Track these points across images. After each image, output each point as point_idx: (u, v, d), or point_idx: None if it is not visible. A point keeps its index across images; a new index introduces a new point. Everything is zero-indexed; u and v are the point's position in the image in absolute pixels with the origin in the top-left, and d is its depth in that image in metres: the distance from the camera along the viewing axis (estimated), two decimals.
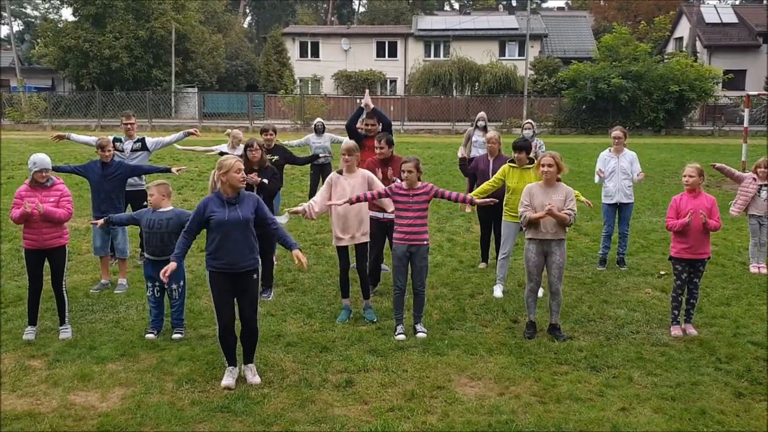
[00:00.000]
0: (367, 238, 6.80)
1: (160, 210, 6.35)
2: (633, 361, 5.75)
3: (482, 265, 8.73)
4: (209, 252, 5.19)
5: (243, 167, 5.20)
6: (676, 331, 6.40)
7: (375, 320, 6.69)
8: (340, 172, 6.73)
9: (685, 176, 6.43)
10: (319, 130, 12.31)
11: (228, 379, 5.25)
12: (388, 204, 6.58)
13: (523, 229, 6.40)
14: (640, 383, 5.35)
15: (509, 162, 7.63)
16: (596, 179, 8.88)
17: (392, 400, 5.05)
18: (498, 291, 7.57)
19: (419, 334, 6.28)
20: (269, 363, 5.63)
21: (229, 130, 10.78)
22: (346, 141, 6.93)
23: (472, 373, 5.53)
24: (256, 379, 5.32)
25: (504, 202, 7.57)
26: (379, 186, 6.63)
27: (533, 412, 4.87)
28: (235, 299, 5.27)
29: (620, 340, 6.25)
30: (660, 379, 5.41)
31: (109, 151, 7.66)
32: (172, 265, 5.18)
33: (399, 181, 6.50)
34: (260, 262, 5.36)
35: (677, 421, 4.77)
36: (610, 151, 8.74)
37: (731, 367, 5.64)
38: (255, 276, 5.27)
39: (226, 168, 5.09)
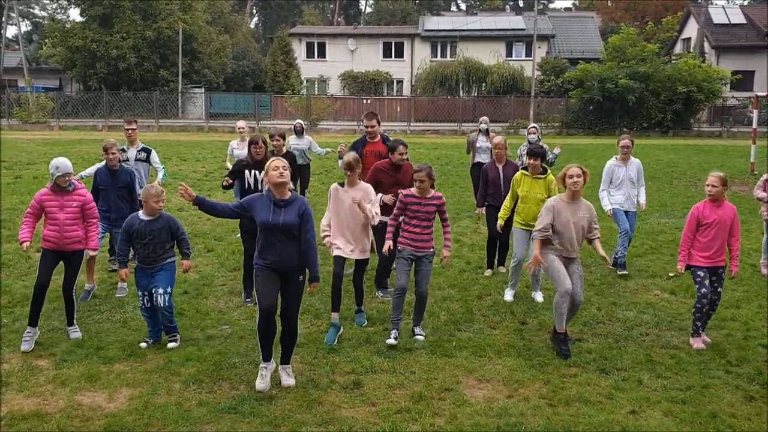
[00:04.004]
0: (366, 255, 6.66)
1: (151, 219, 5.99)
2: (642, 364, 5.71)
3: (488, 272, 8.54)
4: (257, 250, 5.19)
5: (284, 164, 5.09)
6: (697, 344, 6.07)
7: (364, 324, 6.60)
8: (341, 184, 6.59)
9: (708, 185, 6.11)
10: (299, 132, 12.23)
11: (261, 383, 5.14)
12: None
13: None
14: (649, 386, 5.31)
15: (522, 169, 7.54)
16: (605, 207, 8.65)
17: (400, 401, 5.02)
18: (509, 295, 7.49)
19: (417, 337, 6.20)
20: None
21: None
22: (347, 155, 6.70)
23: (480, 375, 5.50)
24: (291, 381, 5.25)
25: (515, 210, 7.49)
26: (376, 202, 6.54)
27: (542, 414, 4.84)
28: (279, 294, 5.22)
29: (629, 343, 6.21)
30: (670, 382, 5.37)
31: (114, 153, 7.52)
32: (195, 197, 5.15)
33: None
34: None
35: (687, 424, 4.73)
36: (616, 159, 8.64)
37: (742, 370, 5.60)
38: (300, 278, 5.24)
39: (265, 169, 5.14)
